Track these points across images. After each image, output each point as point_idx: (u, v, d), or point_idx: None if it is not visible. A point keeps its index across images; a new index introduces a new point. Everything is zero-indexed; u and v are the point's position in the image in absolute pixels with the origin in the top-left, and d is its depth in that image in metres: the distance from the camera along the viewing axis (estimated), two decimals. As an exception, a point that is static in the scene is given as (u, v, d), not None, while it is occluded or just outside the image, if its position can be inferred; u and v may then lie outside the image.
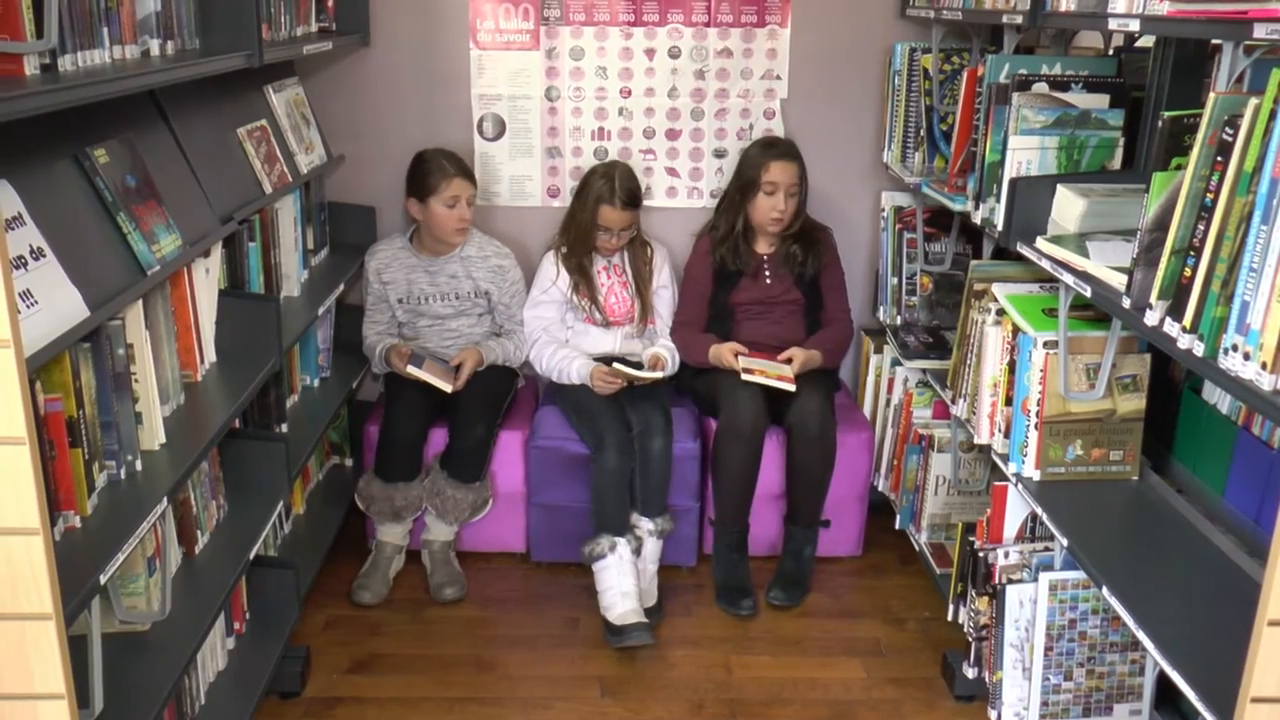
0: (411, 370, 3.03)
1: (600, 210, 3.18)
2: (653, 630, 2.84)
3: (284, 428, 2.74)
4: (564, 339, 3.29)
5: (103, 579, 1.66)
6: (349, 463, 3.53)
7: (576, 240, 3.25)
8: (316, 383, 3.18)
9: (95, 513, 1.81)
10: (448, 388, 3.03)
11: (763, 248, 3.25)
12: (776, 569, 3.15)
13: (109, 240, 1.92)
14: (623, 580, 2.89)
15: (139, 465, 1.96)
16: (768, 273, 3.24)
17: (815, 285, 3.26)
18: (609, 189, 3.17)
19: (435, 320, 3.29)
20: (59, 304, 1.68)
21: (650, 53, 3.41)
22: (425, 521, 3.16)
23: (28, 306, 1.59)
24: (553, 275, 3.28)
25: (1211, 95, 1.58)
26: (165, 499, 1.89)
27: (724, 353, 3.11)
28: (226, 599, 2.24)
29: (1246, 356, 1.48)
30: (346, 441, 3.54)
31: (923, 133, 3.09)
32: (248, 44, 2.32)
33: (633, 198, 3.19)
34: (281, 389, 2.74)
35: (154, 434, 2.03)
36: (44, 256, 1.69)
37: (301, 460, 2.77)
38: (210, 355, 2.36)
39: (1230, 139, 1.52)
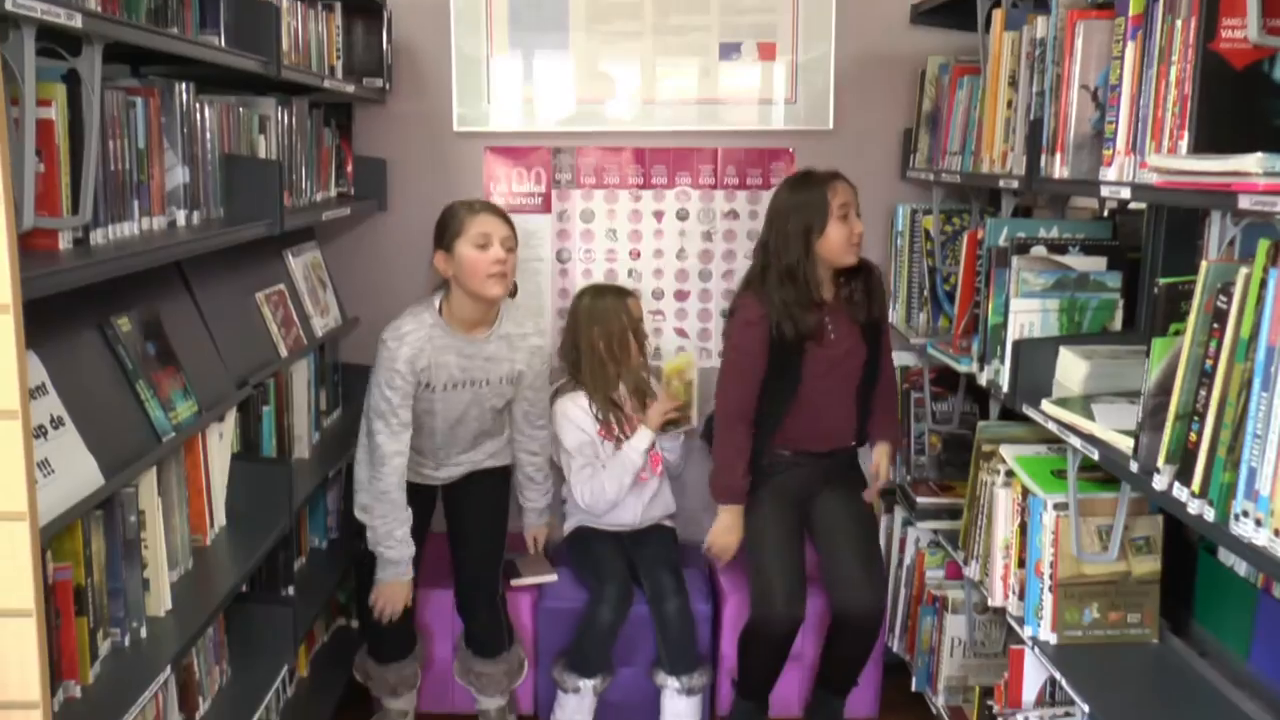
0: (515, 583, 3.10)
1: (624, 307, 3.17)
2: None
3: (291, 590, 2.71)
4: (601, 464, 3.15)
5: (102, 753, 1.63)
6: (355, 624, 3.47)
7: (598, 368, 3.14)
8: (325, 544, 3.16)
9: (97, 681, 1.79)
10: (553, 578, 3.15)
11: (826, 297, 2.85)
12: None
13: (127, 407, 1.95)
14: (578, 718, 3.00)
15: (144, 632, 1.94)
16: (830, 328, 2.85)
17: (874, 330, 2.93)
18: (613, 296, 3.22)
19: (444, 419, 2.87)
20: (75, 472, 1.70)
21: (659, 214, 3.50)
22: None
23: (44, 475, 1.61)
24: (589, 426, 3.13)
25: (1204, 264, 1.61)
26: (169, 668, 1.87)
27: (732, 539, 2.89)
28: (226, 771, 2.19)
29: (1258, 523, 1.46)
30: (353, 602, 3.49)
31: (926, 293, 3.15)
32: (270, 212, 2.37)
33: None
34: (290, 552, 2.71)
35: (161, 600, 2.01)
36: (63, 425, 1.71)
37: (308, 624, 2.73)
38: (220, 519, 2.36)
39: (1225, 306, 1.55)
